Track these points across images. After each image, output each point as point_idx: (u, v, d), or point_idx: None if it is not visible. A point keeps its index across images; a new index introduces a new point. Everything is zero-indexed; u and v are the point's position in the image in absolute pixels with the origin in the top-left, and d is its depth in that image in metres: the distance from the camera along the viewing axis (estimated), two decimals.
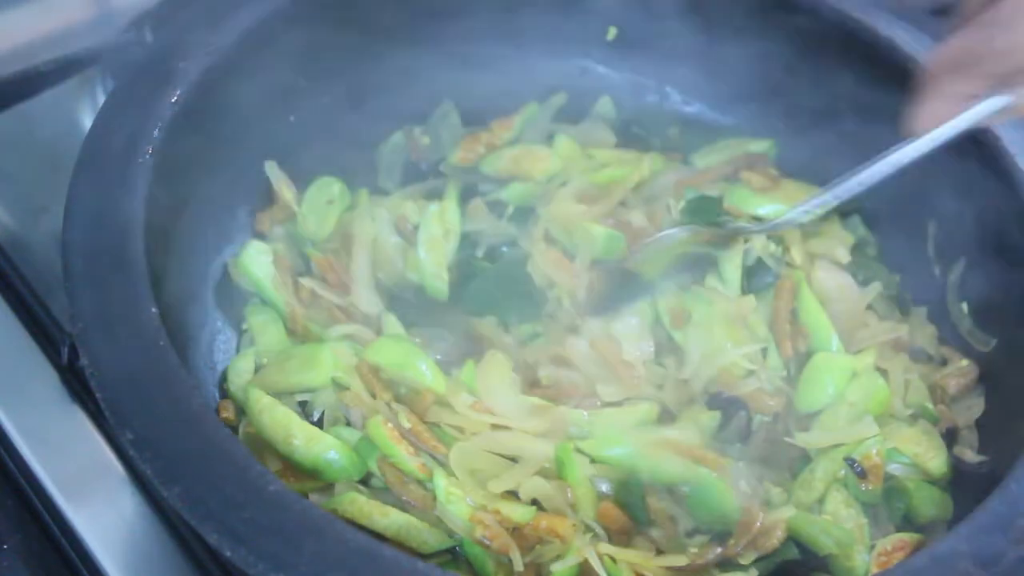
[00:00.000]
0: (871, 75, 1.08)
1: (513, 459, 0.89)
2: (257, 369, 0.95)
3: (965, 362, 1.00)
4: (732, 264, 1.04)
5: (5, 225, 1.06)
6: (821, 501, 0.91)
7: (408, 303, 1.03)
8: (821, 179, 1.14)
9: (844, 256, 1.08)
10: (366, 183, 1.12)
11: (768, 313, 1.02)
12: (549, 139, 1.18)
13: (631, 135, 1.22)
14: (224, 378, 0.96)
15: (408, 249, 1.05)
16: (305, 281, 1.01)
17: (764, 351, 1.00)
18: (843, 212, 1.12)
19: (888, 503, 0.91)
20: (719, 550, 0.85)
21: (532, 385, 0.96)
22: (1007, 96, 0.81)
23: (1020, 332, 0.97)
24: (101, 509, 0.86)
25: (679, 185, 1.12)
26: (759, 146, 1.19)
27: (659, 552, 0.86)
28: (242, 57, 0.98)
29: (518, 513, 0.84)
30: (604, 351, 0.97)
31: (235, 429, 0.91)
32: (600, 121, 1.21)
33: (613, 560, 0.84)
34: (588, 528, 0.86)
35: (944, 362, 1.02)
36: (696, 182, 1.13)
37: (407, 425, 0.88)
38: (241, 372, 0.94)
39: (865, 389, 0.96)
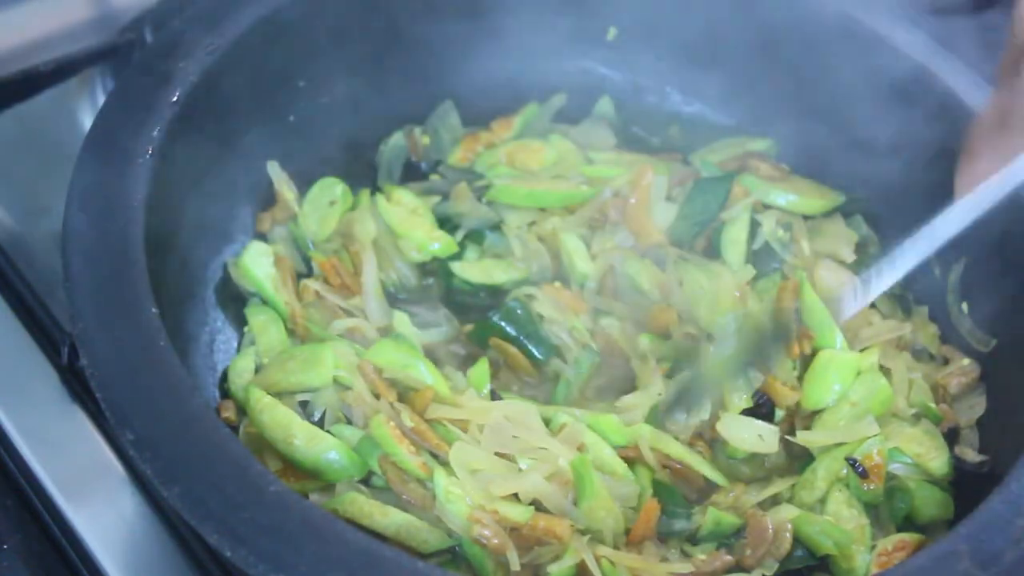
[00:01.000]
0: (871, 75, 1.08)
1: (513, 459, 0.89)
2: (257, 369, 0.95)
3: (967, 361, 1.00)
4: (735, 241, 1.05)
5: (5, 225, 1.06)
6: (823, 501, 0.91)
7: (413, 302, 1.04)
8: (820, 179, 1.16)
9: (848, 255, 1.08)
10: (366, 183, 1.12)
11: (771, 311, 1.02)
12: (548, 140, 1.18)
13: (631, 135, 1.22)
14: (224, 378, 0.95)
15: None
16: (308, 283, 1.01)
17: None
18: (846, 212, 1.12)
19: (889, 503, 0.91)
20: (728, 559, 0.85)
21: None
22: None
23: (1020, 332, 0.97)
24: (101, 509, 0.86)
25: (680, 184, 1.12)
26: (759, 145, 1.19)
27: (664, 559, 0.86)
28: (242, 57, 0.98)
29: (516, 513, 0.84)
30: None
31: (235, 429, 0.91)
32: (600, 121, 1.21)
33: (611, 563, 0.84)
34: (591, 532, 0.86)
35: (946, 361, 1.02)
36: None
37: (409, 424, 0.88)
38: (241, 372, 0.94)
39: (867, 389, 0.95)
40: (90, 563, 0.83)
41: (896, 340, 1.02)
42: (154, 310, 0.77)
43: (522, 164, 1.14)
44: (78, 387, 0.92)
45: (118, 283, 0.78)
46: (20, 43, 1.21)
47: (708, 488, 0.93)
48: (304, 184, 1.08)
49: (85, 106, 1.17)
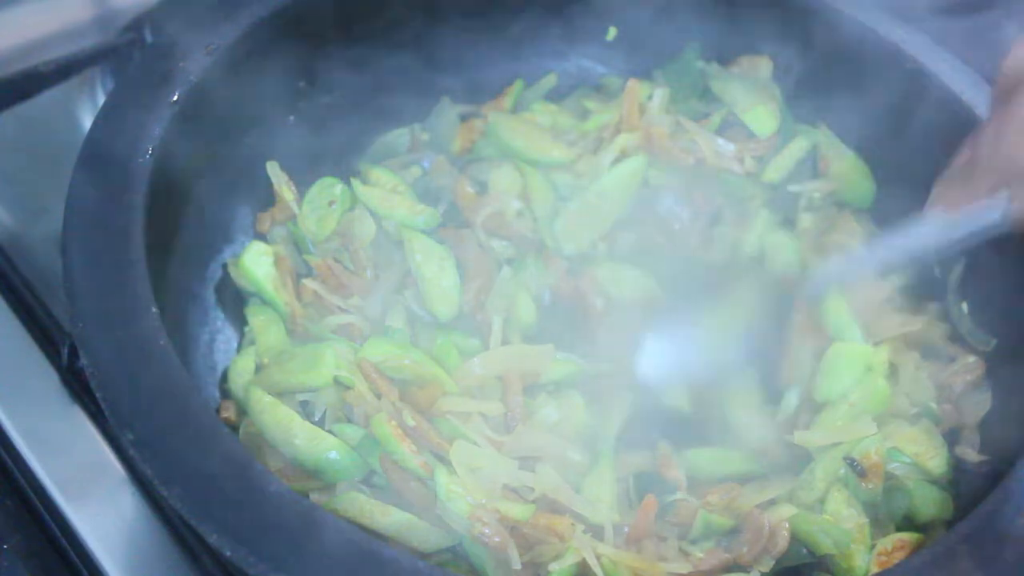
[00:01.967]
0: (871, 75, 1.08)
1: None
2: (258, 369, 0.95)
3: (972, 358, 0.99)
4: None
5: (5, 225, 1.06)
6: (822, 501, 0.91)
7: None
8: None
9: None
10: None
11: None
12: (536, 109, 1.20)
13: None
14: (224, 378, 0.95)
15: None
16: (307, 282, 1.01)
17: None
18: (856, 210, 1.12)
19: (888, 502, 0.91)
20: (726, 556, 0.85)
21: None
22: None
23: (1020, 332, 0.97)
24: (101, 509, 0.86)
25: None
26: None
27: (662, 559, 0.86)
28: (242, 57, 0.98)
29: (517, 511, 0.84)
30: None
31: (235, 429, 0.90)
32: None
33: (612, 562, 0.84)
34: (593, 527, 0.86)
35: (953, 359, 1.02)
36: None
37: (411, 423, 0.88)
38: (242, 372, 0.94)
39: (865, 388, 0.96)
40: (90, 563, 0.83)
41: (907, 336, 1.01)
42: (154, 310, 0.77)
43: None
44: (78, 387, 0.92)
45: (118, 283, 0.78)
46: (20, 43, 1.21)
47: None
48: (304, 185, 1.08)
49: (85, 106, 1.17)
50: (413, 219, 1.05)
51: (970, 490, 0.90)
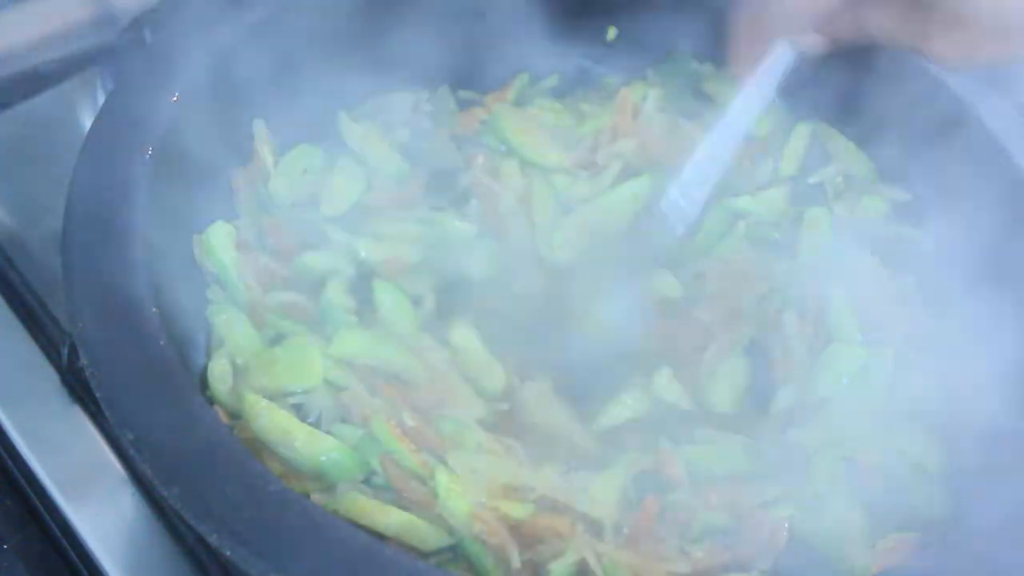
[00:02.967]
0: (873, 75, 1.08)
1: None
2: (235, 370, 0.93)
3: (979, 358, 0.99)
4: None
5: (5, 225, 1.06)
6: (822, 500, 0.91)
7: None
8: None
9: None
10: None
11: None
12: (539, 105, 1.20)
13: None
14: (205, 385, 0.93)
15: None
16: (261, 257, 0.99)
17: None
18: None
19: (888, 502, 0.91)
20: (725, 555, 0.85)
21: None
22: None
23: (1020, 331, 0.97)
24: (101, 509, 0.86)
25: None
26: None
27: (661, 558, 0.86)
28: (242, 57, 0.98)
29: (517, 510, 0.84)
30: None
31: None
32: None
33: (612, 562, 0.84)
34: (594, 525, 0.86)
35: (959, 357, 1.01)
36: None
37: (411, 424, 0.88)
38: (220, 376, 0.91)
39: (862, 387, 0.96)
40: (90, 563, 0.83)
41: (913, 334, 1.01)
42: (154, 310, 0.77)
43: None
44: (78, 387, 0.92)
45: (118, 283, 0.78)
46: (20, 43, 1.21)
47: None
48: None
49: (85, 106, 1.17)
50: (383, 165, 1.07)
51: (970, 490, 0.90)
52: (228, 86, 0.98)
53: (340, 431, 0.88)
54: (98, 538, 0.84)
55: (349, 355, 0.92)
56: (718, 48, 1.15)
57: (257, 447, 0.87)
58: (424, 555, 0.83)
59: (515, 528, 0.84)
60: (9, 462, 0.89)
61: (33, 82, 1.14)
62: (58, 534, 0.86)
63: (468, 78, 1.19)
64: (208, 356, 0.95)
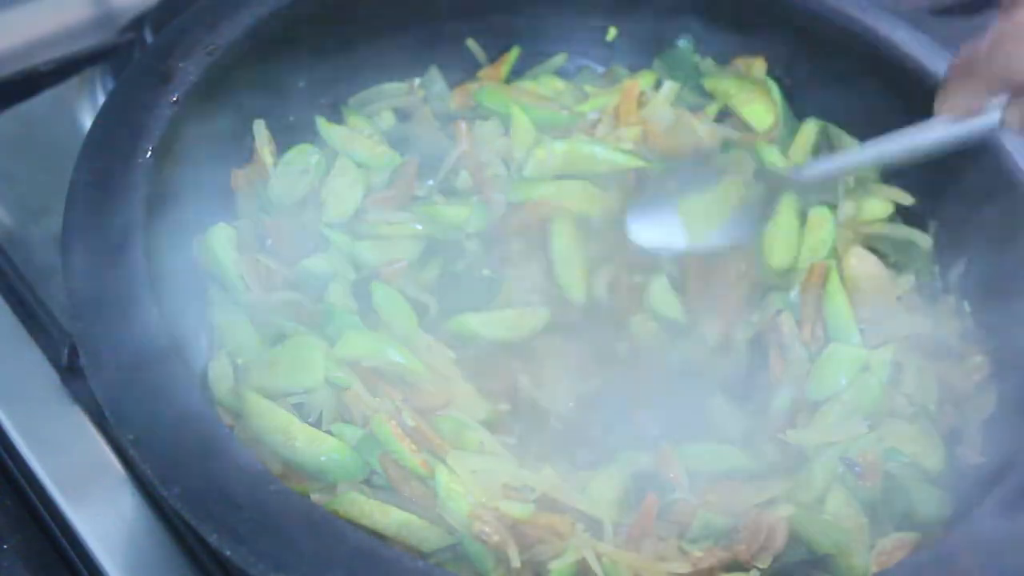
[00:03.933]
0: (871, 76, 1.08)
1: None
2: (235, 370, 0.93)
3: (979, 358, 0.99)
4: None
5: (5, 225, 1.06)
6: (821, 500, 0.91)
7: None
8: None
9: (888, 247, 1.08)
10: None
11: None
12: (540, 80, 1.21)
13: None
14: (205, 385, 0.93)
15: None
16: (261, 258, 0.99)
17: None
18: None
19: (887, 502, 0.91)
20: (725, 555, 0.85)
21: None
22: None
23: (1020, 332, 0.97)
24: (101, 509, 0.86)
25: None
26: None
27: (661, 558, 0.86)
28: (242, 57, 0.98)
29: (517, 509, 0.84)
30: None
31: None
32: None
33: (612, 561, 0.84)
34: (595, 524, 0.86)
35: (962, 358, 1.01)
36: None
37: (411, 424, 0.88)
38: (221, 376, 0.92)
39: (858, 388, 0.96)
40: (90, 563, 0.83)
41: (915, 336, 1.01)
42: (154, 310, 0.77)
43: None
44: (78, 387, 0.92)
45: (118, 283, 0.78)
46: (20, 43, 1.21)
47: None
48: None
49: (85, 106, 1.17)
50: (373, 160, 1.06)
51: (969, 490, 0.90)
52: (228, 86, 0.98)
53: (340, 431, 0.88)
54: (98, 538, 0.84)
55: (354, 357, 0.92)
56: (719, 43, 1.16)
57: (257, 447, 0.87)
58: (424, 555, 0.83)
59: (515, 528, 0.84)
60: (9, 462, 0.89)
61: (33, 82, 1.14)
62: (58, 534, 0.86)
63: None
64: (208, 356, 0.96)
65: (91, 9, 1.26)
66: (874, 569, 0.86)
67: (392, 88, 1.16)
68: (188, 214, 0.97)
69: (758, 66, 1.17)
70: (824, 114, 1.14)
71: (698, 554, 0.86)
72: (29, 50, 1.20)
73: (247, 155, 1.05)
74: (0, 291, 0.99)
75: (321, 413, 0.91)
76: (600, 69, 1.24)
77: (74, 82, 1.17)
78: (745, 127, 1.15)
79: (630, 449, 0.93)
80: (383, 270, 1.02)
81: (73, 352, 0.91)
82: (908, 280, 1.04)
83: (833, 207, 1.08)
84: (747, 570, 0.86)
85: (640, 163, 1.10)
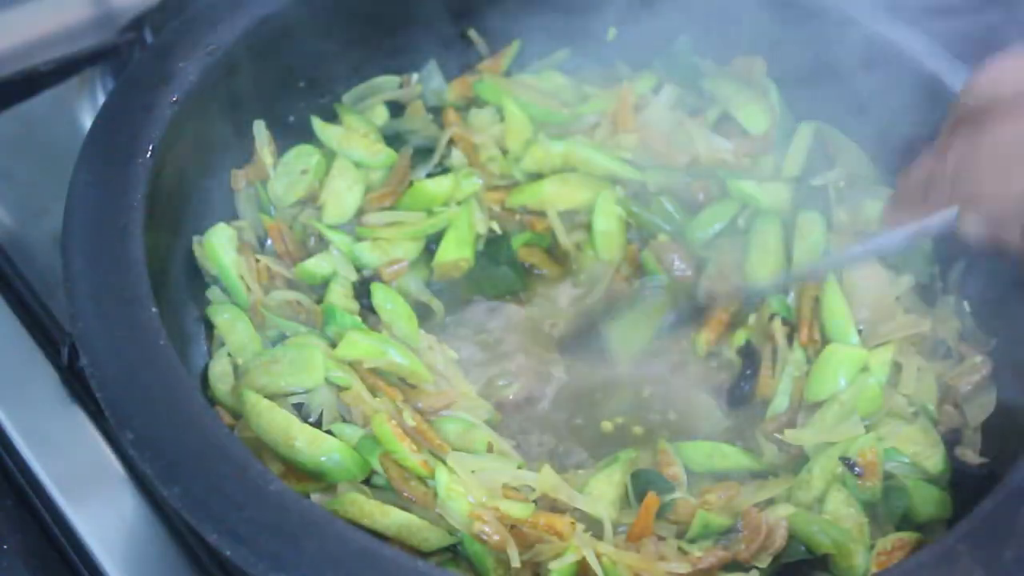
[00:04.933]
0: (871, 77, 1.08)
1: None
2: (235, 370, 0.93)
3: (979, 358, 0.99)
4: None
5: (5, 225, 1.06)
6: (821, 500, 0.91)
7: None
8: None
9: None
10: None
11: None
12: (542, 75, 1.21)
13: None
14: (206, 385, 0.93)
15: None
16: (261, 258, 0.99)
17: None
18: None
19: (887, 502, 0.91)
20: (724, 554, 0.85)
21: None
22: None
23: (1020, 332, 0.97)
24: (101, 509, 0.86)
25: None
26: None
27: (661, 558, 0.86)
28: (242, 57, 0.98)
29: (517, 509, 0.84)
30: None
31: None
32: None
33: (612, 561, 0.84)
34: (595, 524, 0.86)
35: (962, 358, 1.01)
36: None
37: (411, 423, 0.88)
38: (221, 376, 0.92)
39: (856, 388, 0.96)
40: (90, 563, 0.83)
41: (914, 337, 1.01)
42: (154, 310, 0.77)
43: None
44: (78, 387, 0.92)
45: (118, 283, 0.78)
46: (20, 43, 1.21)
47: None
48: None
49: (85, 106, 1.17)
50: (370, 159, 1.07)
51: (969, 490, 0.90)
52: (228, 86, 0.98)
53: (340, 431, 0.88)
54: (98, 538, 0.84)
55: (356, 358, 0.92)
56: (718, 44, 1.16)
57: (257, 447, 0.87)
58: (424, 555, 0.83)
59: (515, 528, 0.84)
60: (9, 462, 0.89)
61: (33, 82, 1.14)
62: (58, 534, 0.86)
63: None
64: (208, 356, 0.96)
65: (91, 9, 1.26)
66: (874, 569, 0.86)
67: (384, 81, 1.16)
68: (188, 214, 0.97)
69: (758, 66, 1.17)
70: (824, 115, 1.14)
71: (698, 554, 0.86)
72: (29, 50, 1.19)
73: (247, 155, 1.05)
74: (0, 291, 0.99)
75: (321, 413, 0.91)
76: (600, 69, 1.24)
77: (74, 82, 1.17)
78: (742, 133, 1.15)
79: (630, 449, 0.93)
80: (383, 270, 1.03)
81: (73, 352, 0.91)
82: (907, 280, 1.04)
83: (823, 213, 1.08)
84: (747, 570, 0.86)
85: (636, 175, 1.11)
